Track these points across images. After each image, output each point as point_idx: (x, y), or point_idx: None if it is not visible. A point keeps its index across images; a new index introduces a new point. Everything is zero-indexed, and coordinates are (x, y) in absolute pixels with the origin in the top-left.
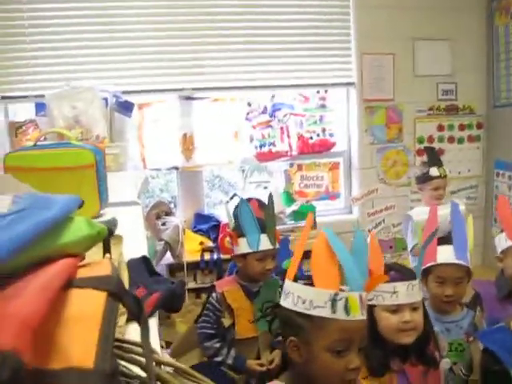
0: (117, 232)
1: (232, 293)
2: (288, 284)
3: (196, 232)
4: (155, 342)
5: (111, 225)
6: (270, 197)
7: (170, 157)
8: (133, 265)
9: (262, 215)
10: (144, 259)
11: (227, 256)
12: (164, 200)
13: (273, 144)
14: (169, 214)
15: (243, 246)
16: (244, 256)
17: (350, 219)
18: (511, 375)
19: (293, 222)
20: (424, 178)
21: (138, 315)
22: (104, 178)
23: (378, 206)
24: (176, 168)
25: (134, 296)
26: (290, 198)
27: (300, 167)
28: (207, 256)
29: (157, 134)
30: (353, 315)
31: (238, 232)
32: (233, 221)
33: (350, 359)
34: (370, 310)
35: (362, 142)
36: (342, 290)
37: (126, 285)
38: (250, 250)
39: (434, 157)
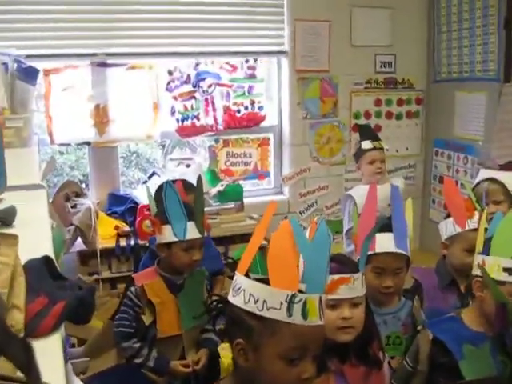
0: (15, 223)
1: (153, 286)
2: (239, 279)
3: (110, 215)
4: (58, 374)
5: (7, 215)
6: (199, 179)
7: (81, 131)
8: (32, 267)
9: (188, 199)
10: (46, 260)
11: (145, 242)
12: (74, 179)
13: (196, 117)
14: (80, 195)
15: (168, 235)
16: (168, 245)
17: (280, 200)
18: (460, 367)
19: (218, 203)
20: (358, 153)
21: (27, 370)
22: (1, 156)
23: (311, 187)
24: (88, 143)
25: (18, 340)
26: (215, 177)
27: (226, 143)
28: (123, 242)
29: (66, 105)
30: (310, 320)
31: (162, 218)
32: (155, 205)
33: (303, 368)
34: None
35: (293, 117)
36: (300, 291)
37: (23, 294)
38: (176, 239)
39: (366, 131)
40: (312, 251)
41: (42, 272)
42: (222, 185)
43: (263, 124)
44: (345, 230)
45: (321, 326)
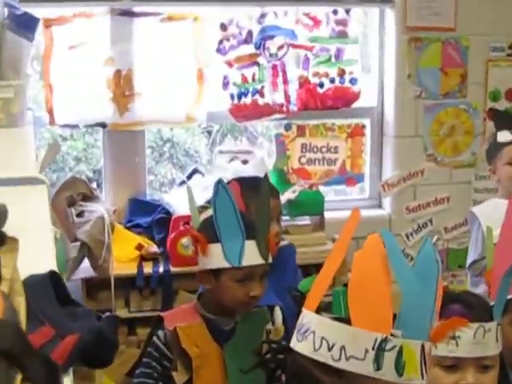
0: (5, 229)
1: (191, 331)
2: (308, 317)
3: (131, 229)
4: None
5: None
6: (265, 180)
7: (94, 107)
8: (34, 286)
9: (248, 209)
10: (52, 277)
11: (181, 269)
12: (81, 176)
13: (259, 93)
14: (89, 198)
15: (216, 258)
16: (216, 273)
17: (377, 217)
18: None
19: (287, 218)
20: (492, 149)
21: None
22: None
23: (424, 198)
24: (103, 125)
25: (42, 357)
26: (283, 181)
27: (301, 131)
28: (148, 268)
29: (73, 70)
30: (408, 377)
31: (209, 234)
32: (198, 215)
33: None
34: None
35: (401, 96)
36: (392, 335)
37: (23, 322)
38: (228, 265)
39: (505, 119)
40: (413, 279)
41: (47, 292)
42: (293, 191)
43: (356, 105)
44: (468, 262)
45: None
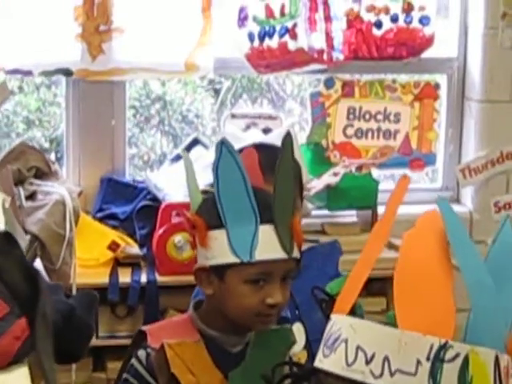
0: None
1: (184, 351)
2: (338, 323)
3: (103, 220)
4: None
5: None
6: (289, 137)
7: (54, 47)
8: None
9: (267, 184)
10: (6, 238)
11: (172, 278)
12: (34, 145)
13: (290, 33)
14: (44, 175)
15: (219, 250)
16: (220, 272)
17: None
18: None
19: (325, 209)
20: None
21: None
22: None
23: None
24: (66, 73)
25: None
26: (320, 159)
27: (349, 90)
28: (125, 276)
29: None
30: None
31: (210, 218)
32: (199, 195)
33: None
34: None
35: (492, 43)
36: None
37: None
38: (235, 260)
39: None
40: (482, 270)
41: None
42: (334, 174)
43: (428, 55)
44: None
45: None
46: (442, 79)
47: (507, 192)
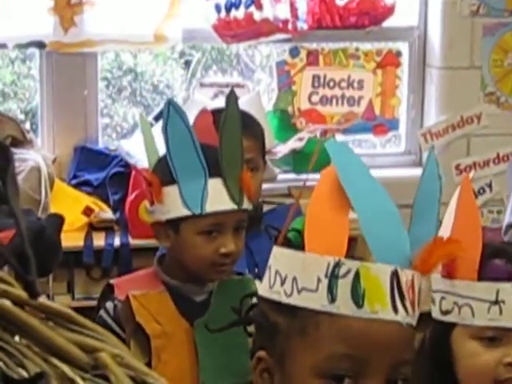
0: None
1: (149, 302)
2: (272, 252)
3: (78, 187)
4: None
5: None
6: (232, 95)
7: (27, 20)
8: None
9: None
10: None
11: (144, 241)
12: (11, 115)
13: (256, 3)
14: (20, 144)
15: (173, 205)
16: (175, 225)
17: (416, 178)
18: None
19: (292, 173)
20: None
21: (2, 166)
22: None
23: (481, 154)
24: (39, 45)
25: None
26: (286, 125)
27: (313, 58)
28: (99, 239)
29: None
30: (371, 309)
31: (164, 175)
32: (156, 154)
33: None
34: (445, 332)
35: (452, 11)
36: (354, 258)
37: None
38: (187, 213)
39: None
40: (374, 196)
41: None
42: (299, 139)
43: (390, 23)
44: (504, 225)
45: (397, 324)
46: (403, 47)
47: (468, 155)
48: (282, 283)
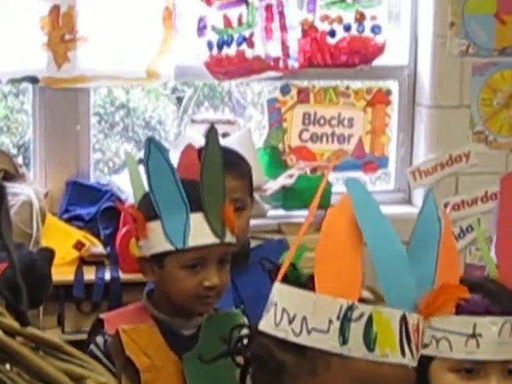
0: None
1: (139, 336)
2: (274, 288)
3: (69, 221)
4: None
5: None
6: (213, 131)
7: (21, 55)
8: None
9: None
10: None
11: (134, 276)
12: (3, 149)
13: (247, 41)
14: (12, 178)
15: (156, 240)
16: (159, 260)
17: (405, 216)
18: None
19: (282, 209)
20: None
21: None
22: None
23: (469, 192)
24: (33, 80)
25: None
26: (277, 162)
27: (304, 96)
28: (90, 273)
29: None
30: (381, 353)
31: (147, 211)
32: (142, 190)
33: None
34: (423, 367)
35: (441, 51)
36: (366, 301)
37: None
38: (171, 247)
39: None
40: (388, 238)
41: None
42: (290, 175)
43: (380, 62)
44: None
45: (405, 367)
46: (393, 85)
47: (456, 193)
48: (290, 322)
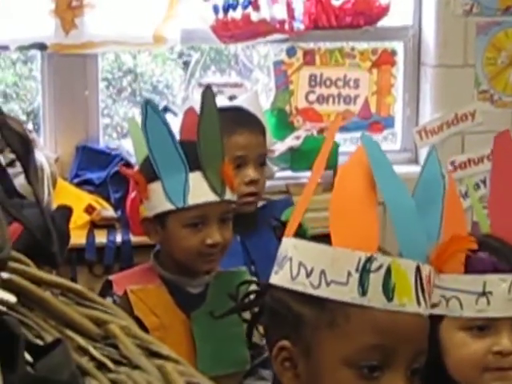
0: None
1: (147, 296)
2: (286, 244)
3: (80, 185)
4: None
5: None
6: (208, 91)
7: (29, 22)
8: None
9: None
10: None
11: (145, 238)
12: (13, 115)
13: (253, 4)
14: None
15: (158, 200)
16: (162, 220)
17: (412, 175)
18: None
19: (289, 170)
20: None
21: (23, 155)
22: None
23: (475, 151)
24: (41, 47)
25: (16, 130)
26: (284, 123)
27: (310, 58)
28: (101, 237)
29: None
30: (400, 302)
31: (148, 172)
32: (144, 153)
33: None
34: (433, 326)
35: (445, 10)
36: (382, 253)
37: None
38: (171, 207)
39: None
40: (402, 193)
41: None
42: (296, 137)
43: (384, 23)
44: None
45: (420, 316)
46: (398, 46)
47: (462, 152)
48: (308, 275)
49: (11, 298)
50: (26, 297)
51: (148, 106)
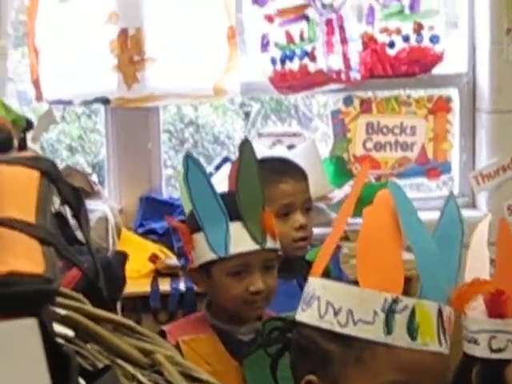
0: None
1: (199, 345)
2: (313, 284)
3: (144, 235)
4: None
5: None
6: (246, 143)
7: (93, 79)
8: None
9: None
10: (57, 214)
11: None
12: (78, 168)
13: (309, 56)
14: (88, 195)
15: (202, 251)
16: (207, 270)
17: (470, 219)
18: None
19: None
20: None
21: (76, 207)
22: None
23: None
24: (105, 101)
25: (69, 183)
26: (342, 171)
27: (367, 107)
28: (165, 284)
29: (66, 29)
30: (423, 342)
31: (192, 224)
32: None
33: None
34: (498, 369)
35: (499, 57)
36: (405, 295)
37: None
38: (214, 256)
39: None
40: (426, 237)
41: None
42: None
43: (439, 71)
44: None
45: (441, 354)
46: (453, 93)
47: None
48: (336, 314)
49: (69, 332)
50: (83, 331)
51: (189, 160)
